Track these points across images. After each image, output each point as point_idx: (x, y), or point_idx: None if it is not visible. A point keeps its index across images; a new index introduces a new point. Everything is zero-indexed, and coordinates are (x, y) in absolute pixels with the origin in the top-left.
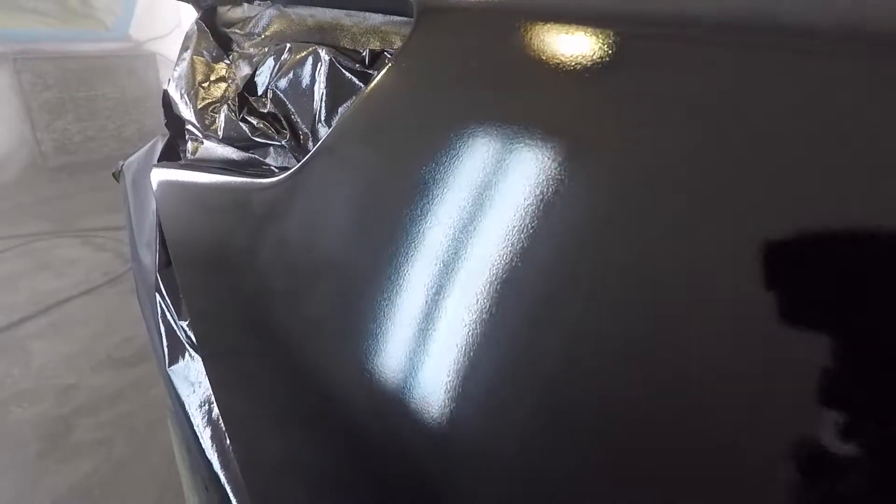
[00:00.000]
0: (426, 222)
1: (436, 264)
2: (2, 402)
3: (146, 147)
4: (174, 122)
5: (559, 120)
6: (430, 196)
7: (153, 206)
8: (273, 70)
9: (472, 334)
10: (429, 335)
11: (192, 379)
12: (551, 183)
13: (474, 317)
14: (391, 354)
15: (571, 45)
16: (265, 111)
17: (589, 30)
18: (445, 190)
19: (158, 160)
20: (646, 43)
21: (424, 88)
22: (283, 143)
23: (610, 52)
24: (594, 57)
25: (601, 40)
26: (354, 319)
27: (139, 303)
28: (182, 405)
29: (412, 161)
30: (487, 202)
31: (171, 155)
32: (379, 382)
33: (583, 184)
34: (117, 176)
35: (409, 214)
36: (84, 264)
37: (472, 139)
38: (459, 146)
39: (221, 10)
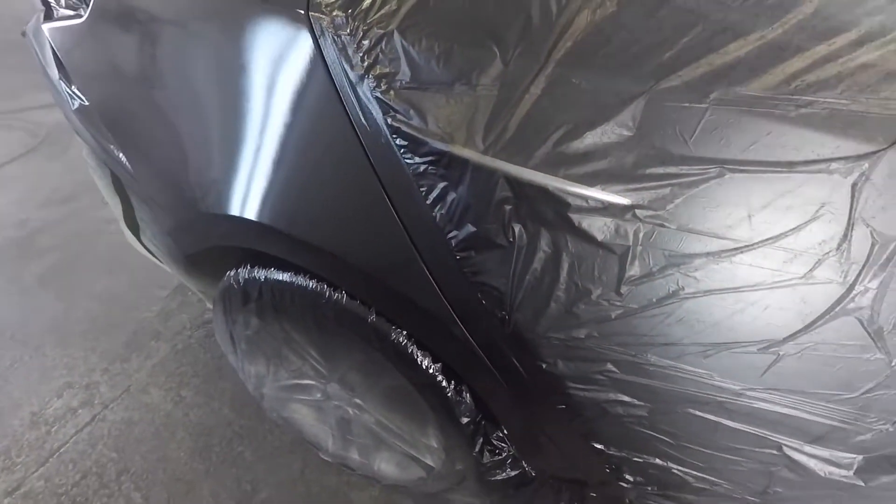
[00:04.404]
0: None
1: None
2: None
3: (34, 18)
4: (45, 3)
5: None
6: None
7: (48, 42)
8: None
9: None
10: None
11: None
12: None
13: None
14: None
15: None
16: None
17: None
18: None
19: (42, 23)
20: None
21: None
22: (84, 7)
23: None
24: None
25: None
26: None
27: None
28: (81, 129)
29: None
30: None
31: (49, 19)
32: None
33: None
34: (24, 34)
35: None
36: (3, 142)
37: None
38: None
39: None
